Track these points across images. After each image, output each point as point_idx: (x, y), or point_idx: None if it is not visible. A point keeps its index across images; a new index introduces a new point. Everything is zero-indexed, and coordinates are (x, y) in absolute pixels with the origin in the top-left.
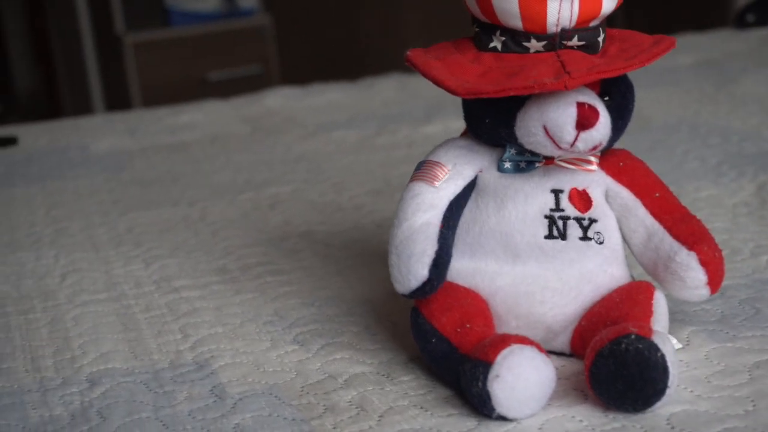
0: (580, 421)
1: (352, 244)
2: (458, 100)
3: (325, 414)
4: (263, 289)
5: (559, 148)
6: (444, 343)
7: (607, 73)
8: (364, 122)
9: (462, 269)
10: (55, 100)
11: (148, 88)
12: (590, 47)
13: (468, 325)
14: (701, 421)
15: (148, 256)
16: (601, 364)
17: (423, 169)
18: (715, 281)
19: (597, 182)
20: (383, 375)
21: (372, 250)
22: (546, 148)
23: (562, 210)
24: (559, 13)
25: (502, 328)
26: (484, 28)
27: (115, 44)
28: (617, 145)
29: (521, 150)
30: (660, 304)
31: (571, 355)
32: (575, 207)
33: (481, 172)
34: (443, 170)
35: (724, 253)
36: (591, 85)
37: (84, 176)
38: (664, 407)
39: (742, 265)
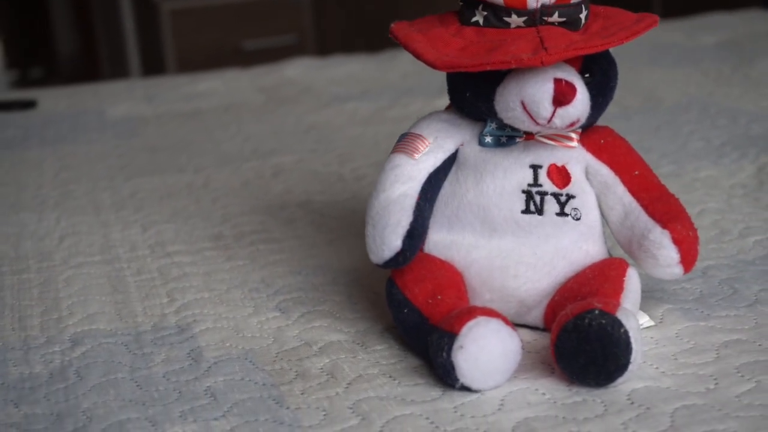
0: (543, 394)
1: (347, 215)
2: None
3: (296, 380)
4: (254, 257)
5: (537, 123)
6: (415, 313)
7: (585, 50)
8: (379, 95)
9: (439, 241)
10: (95, 65)
11: (183, 56)
12: (571, 24)
13: (439, 297)
14: (661, 397)
15: (147, 221)
16: (565, 339)
17: (404, 141)
18: (688, 260)
19: (577, 159)
20: (358, 343)
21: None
22: (524, 124)
23: (540, 185)
24: None
25: (476, 301)
26: (468, 2)
27: (152, 10)
28: (601, 122)
29: (502, 125)
30: (632, 281)
31: (544, 330)
32: (553, 183)
33: (462, 145)
34: (424, 143)
35: (712, 233)
36: (572, 62)
37: (96, 141)
38: (627, 383)
39: (728, 245)
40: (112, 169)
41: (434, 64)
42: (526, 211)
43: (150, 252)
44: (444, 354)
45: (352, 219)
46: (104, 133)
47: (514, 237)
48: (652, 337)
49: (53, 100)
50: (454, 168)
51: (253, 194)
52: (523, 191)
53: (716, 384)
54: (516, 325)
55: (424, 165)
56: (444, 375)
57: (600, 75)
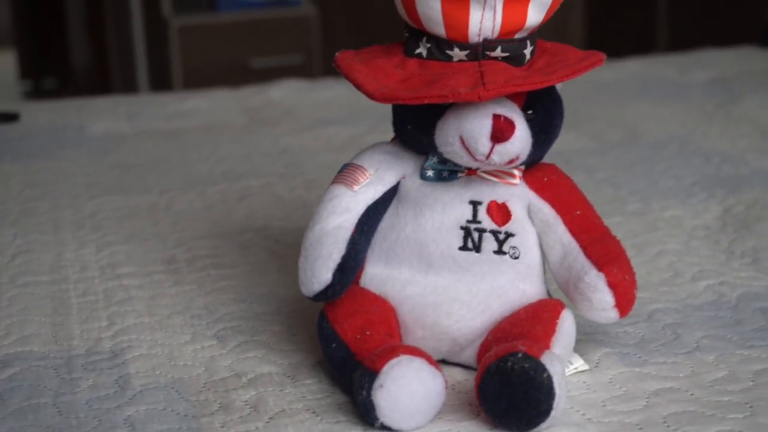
0: None
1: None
2: None
3: (218, 412)
4: (202, 282)
5: (475, 159)
6: (343, 348)
7: (524, 87)
8: (359, 119)
9: (375, 275)
10: (106, 78)
11: (190, 72)
12: (515, 59)
13: (368, 332)
14: None
15: (102, 241)
16: (488, 381)
17: (345, 172)
18: (623, 304)
19: (519, 196)
20: (288, 376)
21: None
22: (462, 159)
23: (479, 222)
24: (481, 23)
25: (408, 338)
26: (413, 34)
27: (162, 26)
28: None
29: (444, 159)
30: (566, 323)
31: (477, 369)
32: (492, 220)
33: (404, 178)
34: (364, 174)
35: (666, 275)
36: (515, 98)
37: (69, 157)
38: (550, 429)
39: (679, 289)
40: (78, 186)
41: (373, 96)
42: (464, 247)
43: (99, 273)
44: (364, 392)
45: None
46: (79, 149)
47: (450, 274)
48: (584, 382)
49: (34, 114)
50: (394, 201)
51: (213, 218)
52: (462, 227)
53: None
54: (450, 364)
55: (362, 197)
56: (364, 413)
57: (543, 112)
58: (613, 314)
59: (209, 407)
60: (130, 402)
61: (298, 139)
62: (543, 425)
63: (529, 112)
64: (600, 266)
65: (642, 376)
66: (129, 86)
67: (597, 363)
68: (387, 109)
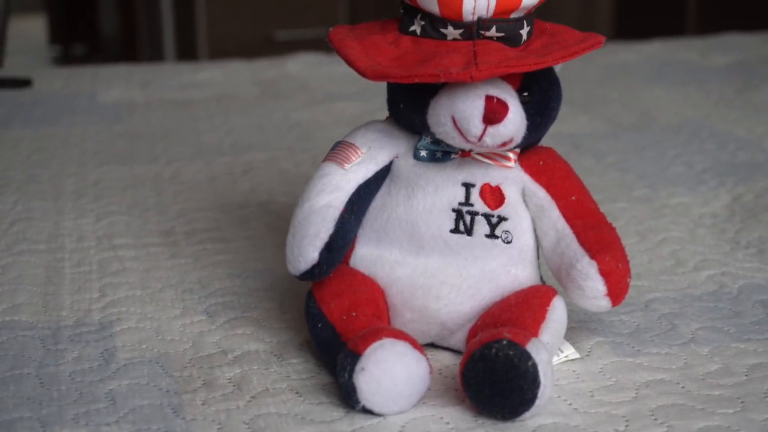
0: (447, 423)
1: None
2: None
3: (201, 389)
4: (198, 256)
5: (467, 141)
6: (329, 329)
7: (517, 68)
8: (372, 95)
9: (366, 255)
10: (134, 46)
11: (216, 42)
12: (511, 39)
13: (354, 314)
14: None
15: (103, 211)
16: (472, 368)
17: (336, 150)
18: (615, 293)
19: (513, 179)
20: (275, 355)
21: None
22: (454, 140)
23: (471, 205)
24: (475, 1)
25: (397, 320)
26: (408, 11)
27: None
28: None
29: (437, 139)
30: (556, 311)
31: None
32: (485, 203)
33: (396, 158)
34: (356, 153)
35: (668, 264)
36: (511, 79)
37: (78, 124)
38: (535, 418)
39: (679, 278)
40: (85, 154)
41: (364, 73)
42: (455, 230)
43: (96, 244)
44: (346, 375)
45: None
46: (88, 117)
47: (441, 256)
48: (574, 371)
49: (48, 80)
50: (387, 180)
51: (217, 190)
52: (453, 210)
53: (626, 426)
54: (440, 348)
55: (353, 176)
56: (345, 396)
57: (539, 94)
58: (604, 303)
59: (192, 384)
60: (114, 375)
61: (309, 112)
62: (527, 414)
63: (525, 93)
64: (593, 254)
65: (633, 367)
66: (156, 55)
67: (588, 352)
68: None
